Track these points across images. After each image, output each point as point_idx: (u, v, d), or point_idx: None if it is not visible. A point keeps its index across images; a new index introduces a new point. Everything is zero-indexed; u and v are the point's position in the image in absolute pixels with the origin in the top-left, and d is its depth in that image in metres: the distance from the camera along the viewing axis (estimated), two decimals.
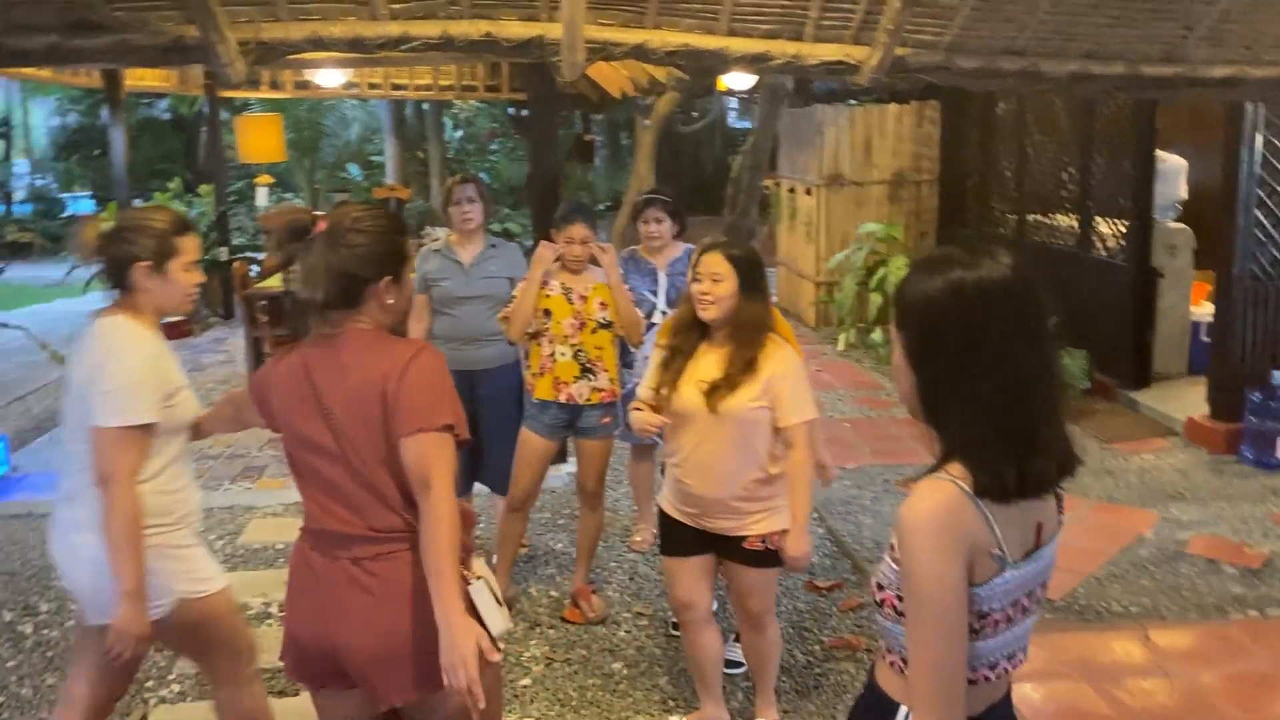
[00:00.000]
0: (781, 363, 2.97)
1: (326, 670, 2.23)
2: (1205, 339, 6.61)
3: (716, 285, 2.95)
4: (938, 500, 1.48)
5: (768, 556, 3.05)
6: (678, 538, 3.12)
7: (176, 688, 3.70)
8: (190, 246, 2.71)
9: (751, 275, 2.98)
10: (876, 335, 8.28)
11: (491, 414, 4.25)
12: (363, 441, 2.14)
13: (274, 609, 4.27)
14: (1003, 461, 1.47)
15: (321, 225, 2.29)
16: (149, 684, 3.72)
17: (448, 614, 2.00)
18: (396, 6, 3.26)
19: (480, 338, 4.26)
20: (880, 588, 1.59)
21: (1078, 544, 4.63)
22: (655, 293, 4.41)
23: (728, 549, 3.08)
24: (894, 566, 1.54)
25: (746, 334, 2.97)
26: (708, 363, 3.01)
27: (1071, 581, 4.30)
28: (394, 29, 3.23)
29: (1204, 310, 6.78)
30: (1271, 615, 4.07)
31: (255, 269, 8.23)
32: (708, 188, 14.96)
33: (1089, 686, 3.53)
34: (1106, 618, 4.06)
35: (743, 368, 2.93)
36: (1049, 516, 1.60)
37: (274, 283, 7.13)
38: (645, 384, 3.14)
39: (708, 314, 2.97)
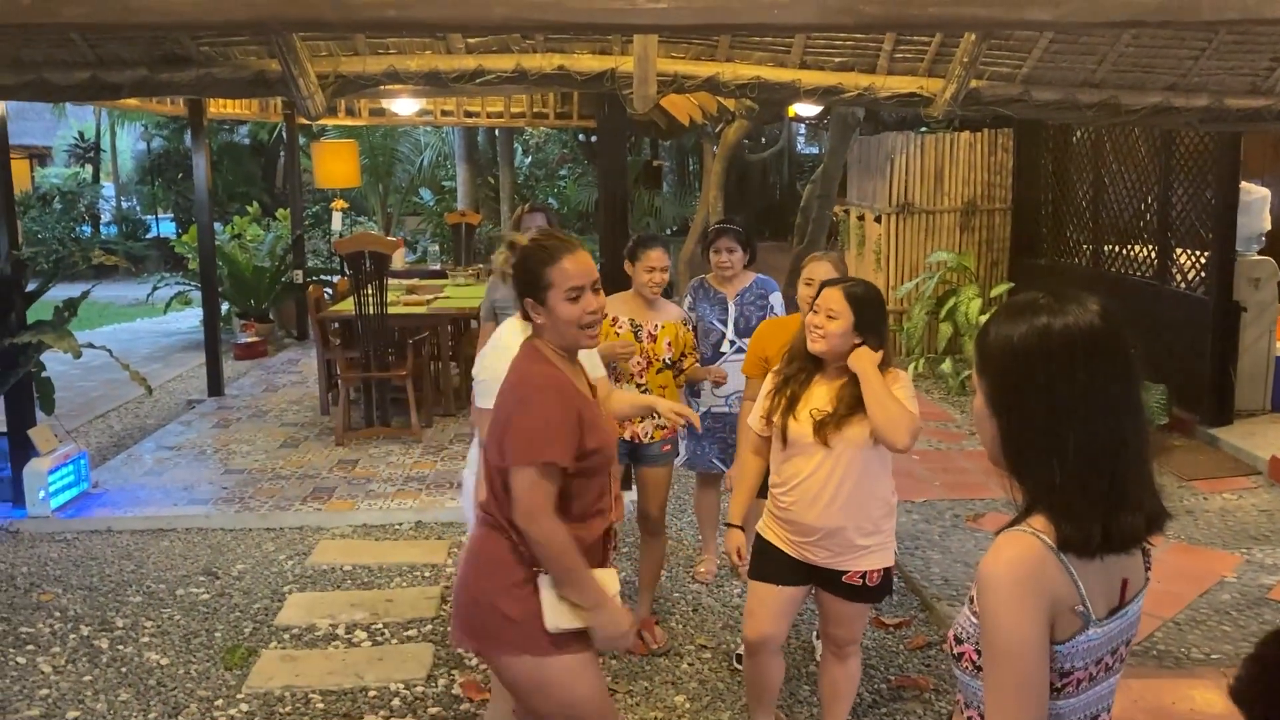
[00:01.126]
0: (901, 389, 3.00)
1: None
2: None
3: (831, 321, 2.98)
4: (1019, 554, 1.43)
5: (866, 591, 3.07)
6: (774, 563, 3.10)
7: (245, 707, 3.76)
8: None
9: (868, 314, 3.00)
10: (946, 366, 8.16)
11: None
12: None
13: (340, 630, 4.33)
14: (1089, 515, 1.42)
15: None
16: (219, 703, 3.78)
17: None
18: (472, 41, 3.32)
19: None
20: (959, 641, 1.55)
21: (1156, 586, 4.47)
22: (725, 322, 4.42)
23: (825, 581, 3.09)
24: (974, 620, 1.49)
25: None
26: (820, 393, 3.03)
27: (1150, 626, 4.17)
28: (469, 63, 3.28)
29: None
30: None
31: (329, 292, 8.40)
32: (775, 213, 14.92)
33: None
34: (1186, 664, 3.92)
35: (853, 404, 2.95)
36: (1135, 572, 1.55)
37: (346, 306, 7.26)
38: (755, 413, 3.16)
39: (816, 347, 3.01)
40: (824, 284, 3.12)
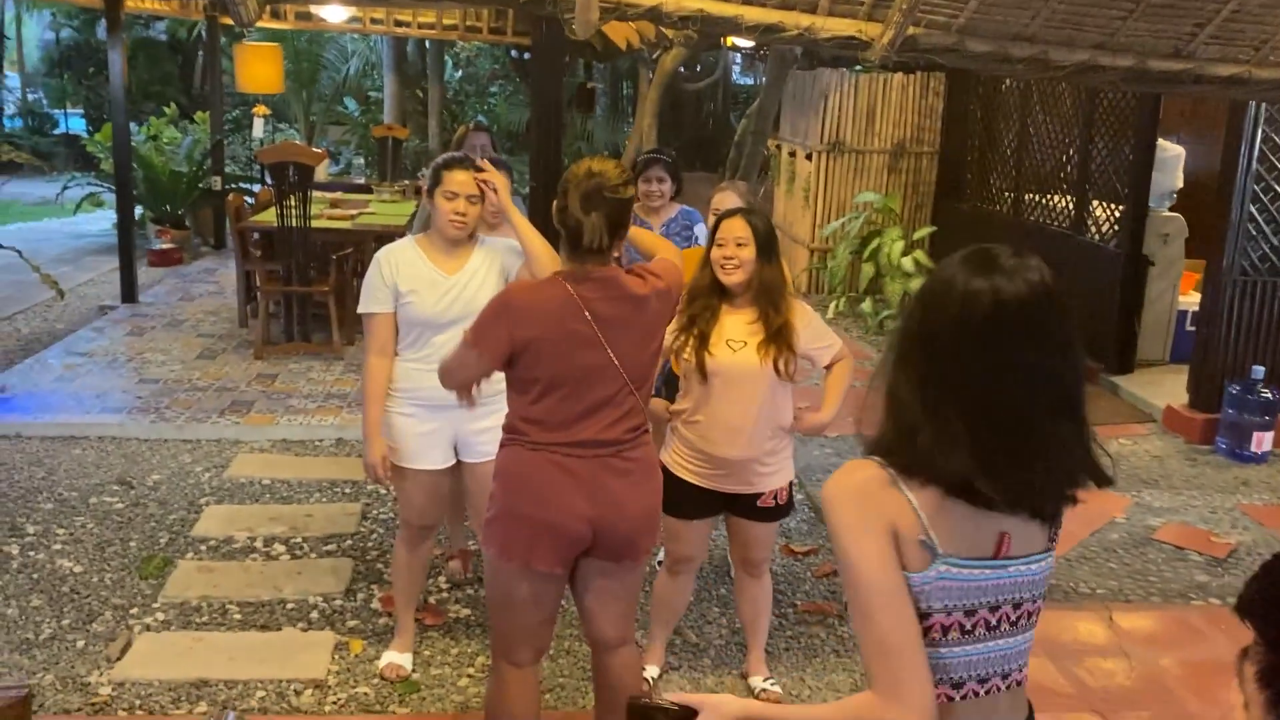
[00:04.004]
0: (803, 317, 3.13)
1: (576, 549, 2.58)
2: (1190, 329, 6.69)
3: (741, 250, 3.06)
4: (858, 476, 1.49)
5: (778, 510, 3.25)
6: (689, 500, 3.19)
7: (161, 616, 3.77)
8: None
9: (769, 241, 3.10)
10: (866, 306, 8.33)
11: None
12: (642, 364, 2.55)
13: (258, 543, 4.33)
14: (954, 459, 1.43)
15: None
16: (134, 611, 3.78)
17: None
18: None
19: None
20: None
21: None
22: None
23: (741, 507, 3.23)
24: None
25: (770, 297, 3.08)
26: (735, 324, 3.11)
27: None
28: None
29: (1191, 300, 6.85)
30: (1232, 603, 4.18)
31: (250, 201, 8.19)
32: (708, 145, 14.89)
33: (1051, 664, 3.64)
34: (1073, 598, 4.16)
35: (779, 329, 3.06)
36: (1025, 535, 1.53)
37: (268, 216, 7.10)
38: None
39: (733, 278, 3.07)
40: (721, 215, 3.18)
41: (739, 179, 9.50)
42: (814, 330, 3.18)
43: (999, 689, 1.55)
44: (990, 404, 1.45)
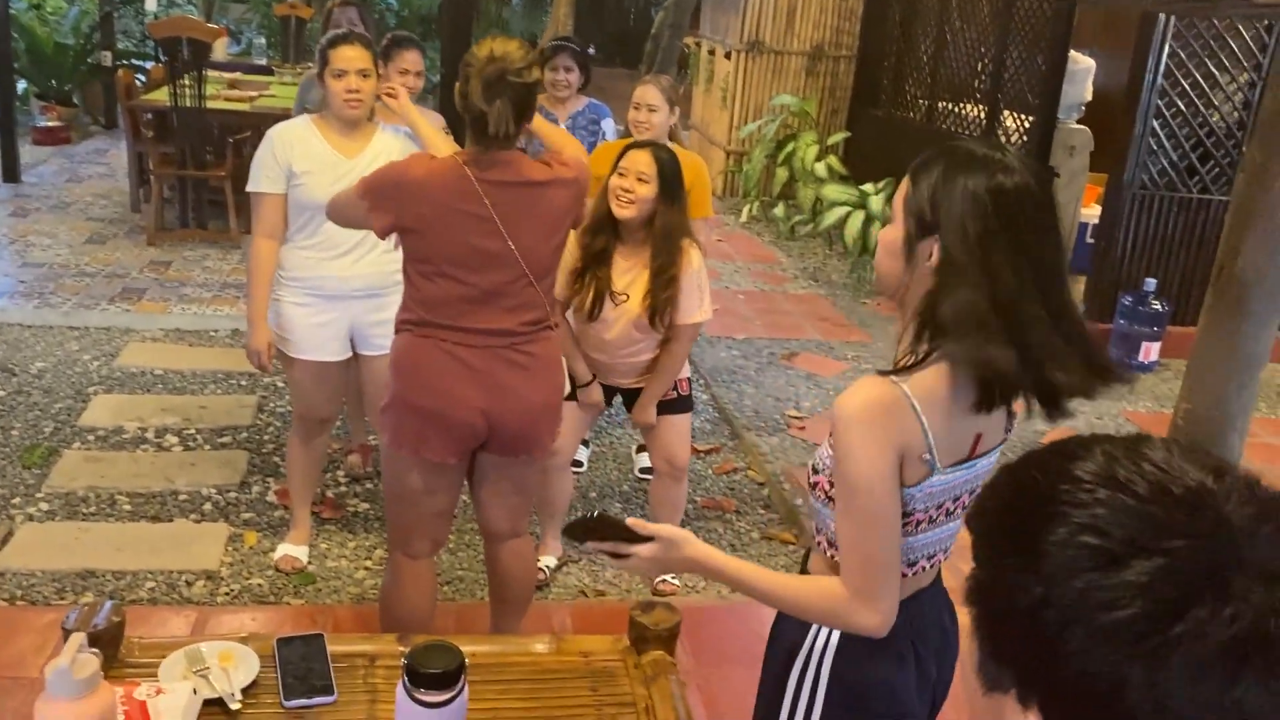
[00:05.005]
0: (688, 272, 3.04)
1: (470, 440, 2.53)
2: (1090, 241, 6.85)
3: (641, 185, 2.94)
4: (876, 396, 1.47)
5: (681, 401, 3.26)
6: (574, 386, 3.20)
7: (45, 506, 3.65)
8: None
9: (674, 182, 2.98)
10: (779, 210, 8.32)
11: None
12: (543, 256, 2.46)
13: (149, 434, 4.21)
14: (999, 380, 1.44)
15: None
16: (15, 501, 3.66)
17: None
18: None
19: None
20: (815, 471, 1.61)
21: None
22: None
23: (633, 399, 3.26)
24: (830, 453, 1.54)
25: (665, 243, 2.99)
26: (623, 271, 3.05)
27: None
28: None
29: (1092, 213, 7.00)
30: None
31: (142, 79, 7.76)
32: (627, 40, 14.56)
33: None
34: None
35: (668, 283, 3.00)
36: (993, 430, 1.60)
37: (161, 95, 6.74)
38: (560, 286, 2.93)
39: (624, 212, 2.97)
40: (628, 146, 3.06)
41: (656, 73, 9.31)
42: (695, 283, 3.07)
43: (939, 562, 1.67)
44: (1051, 286, 1.46)
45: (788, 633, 1.68)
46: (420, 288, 2.45)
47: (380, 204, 2.37)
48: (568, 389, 2.87)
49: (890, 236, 1.53)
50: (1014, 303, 1.43)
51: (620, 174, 2.97)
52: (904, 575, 1.58)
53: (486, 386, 2.46)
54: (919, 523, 1.56)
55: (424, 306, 2.45)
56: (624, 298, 3.03)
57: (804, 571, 1.73)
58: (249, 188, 3.15)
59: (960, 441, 1.54)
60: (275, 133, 3.12)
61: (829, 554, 1.61)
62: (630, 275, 3.05)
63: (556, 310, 2.68)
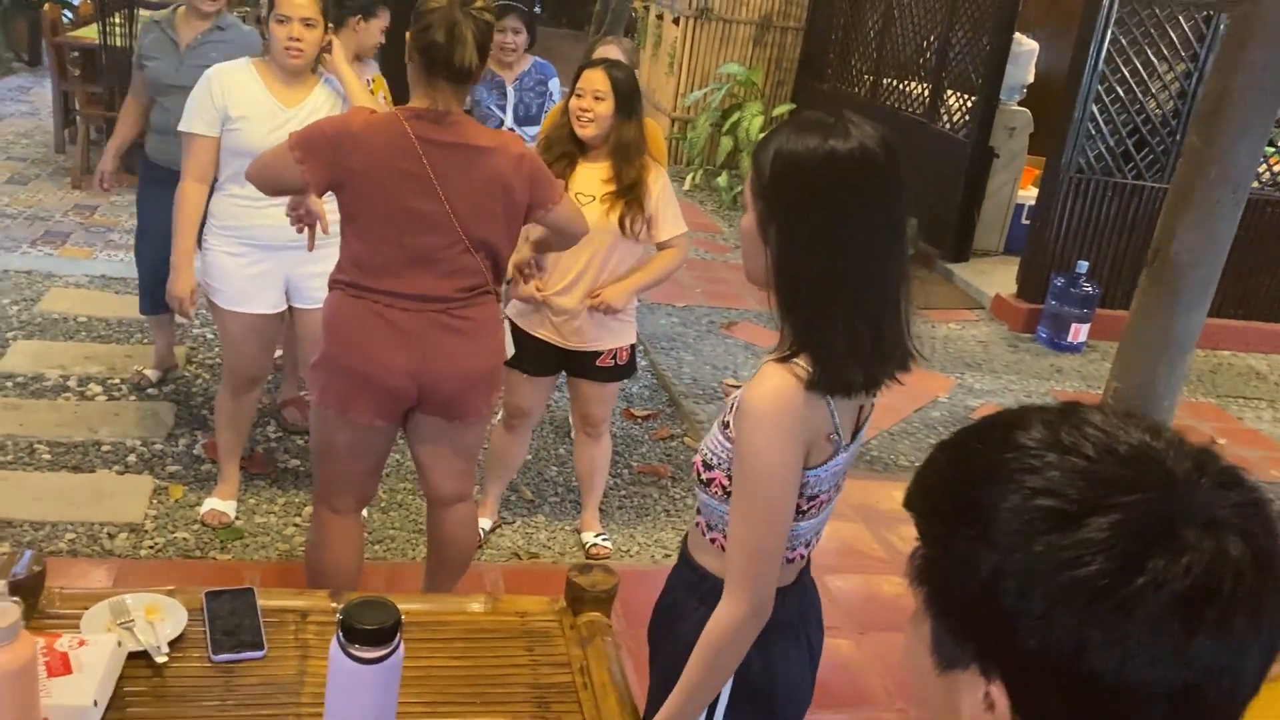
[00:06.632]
0: (658, 181, 3.07)
1: (398, 403, 2.48)
2: (1025, 222, 6.96)
3: (598, 103, 2.98)
4: (782, 387, 1.42)
5: (618, 370, 3.25)
6: (528, 355, 3.16)
7: None
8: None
9: (630, 98, 3.01)
10: (722, 180, 8.32)
11: None
12: (482, 225, 2.37)
13: (71, 382, 4.09)
14: (851, 366, 1.43)
15: None
16: None
17: None
18: None
19: None
20: (709, 466, 1.56)
21: (878, 400, 4.92)
22: (504, 108, 4.27)
23: (579, 365, 3.22)
24: (725, 444, 1.51)
25: (626, 154, 3.02)
26: (587, 178, 3.04)
27: (867, 434, 4.59)
28: None
29: (1028, 194, 7.11)
30: None
31: (69, 15, 7.46)
32: (576, 0, 14.35)
33: (867, 529, 3.83)
34: (893, 470, 4.37)
35: (630, 186, 3.01)
36: (869, 403, 1.62)
37: (90, 33, 6.49)
38: None
39: (586, 131, 3.00)
40: (582, 66, 3.08)
41: (604, 34, 9.21)
42: (666, 198, 3.11)
43: (812, 548, 1.67)
44: (872, 278, 1.42)
45: (686, 634, 1.58)
46: (354, 247, 2.38)
47: (312, 156, 2.27)
48: (510, 353, 2.83)
49: (746, 224, 1.49)
50: (847, 273, 1.40)
51: (578, 94, 3.01)
52: (794, 560, 1.60)
53: (417, 350, 2.40)
54: (822, 504, 1.56)
55: (357, 266, 2.38)
56: (589, 199, 3.02)
57: (683, 552, 1.69)
58: (181, 126, 3.03)
59: (853, 414, 1.55)
60: (214, 73, 3.02)
61: (718, 544, 1.58)
62: (592, 183, 3.06)
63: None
